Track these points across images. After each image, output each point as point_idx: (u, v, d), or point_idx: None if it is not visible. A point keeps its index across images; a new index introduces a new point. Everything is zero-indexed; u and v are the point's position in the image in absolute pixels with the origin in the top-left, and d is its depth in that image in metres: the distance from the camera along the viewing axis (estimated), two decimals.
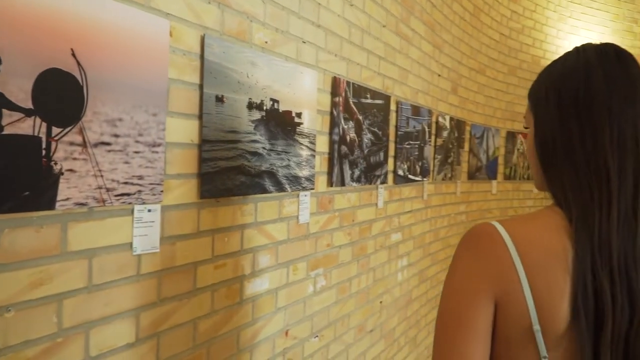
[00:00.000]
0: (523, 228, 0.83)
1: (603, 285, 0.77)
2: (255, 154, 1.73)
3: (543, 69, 0.94)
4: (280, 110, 1.86)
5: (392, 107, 2.86)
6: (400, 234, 3.12)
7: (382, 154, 2.73)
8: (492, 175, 4.77)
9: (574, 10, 5.66)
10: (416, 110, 3.21)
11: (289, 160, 1.92)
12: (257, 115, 1.73)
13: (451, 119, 3.86)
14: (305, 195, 2.06)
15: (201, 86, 1.50)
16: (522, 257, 0.79)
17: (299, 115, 1.97)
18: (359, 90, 2.45)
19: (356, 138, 2.44)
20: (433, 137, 3.58)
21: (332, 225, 2.30)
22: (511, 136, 5.03)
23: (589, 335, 0.77)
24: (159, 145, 1.36)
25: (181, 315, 1.48)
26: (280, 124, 1.86)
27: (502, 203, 5.03)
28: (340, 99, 2.28)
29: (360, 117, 2.47)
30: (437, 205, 3.76)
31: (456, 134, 4.00)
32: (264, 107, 1.77)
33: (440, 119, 3.65)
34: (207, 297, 1.57)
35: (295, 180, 1.96)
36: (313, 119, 2.07)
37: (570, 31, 5.64)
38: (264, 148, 1.78)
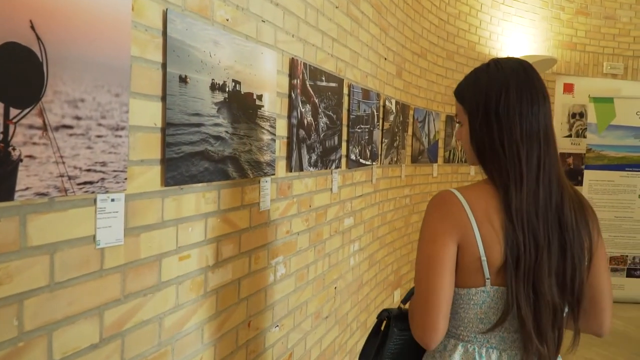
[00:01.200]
0: (472, 193, 1.20)
1: (518, 236, 1.15)
2: (218, 138, 1.64)
3: (468, 78, 1.29)
4: (242, 92, 1.77)
5: (345, 90, 2.82)
6: (352, 219, 3.10)
7: (336, 138, 2.69)
8: (433, 158, 4.85)
9: None
10: (366, 93, 3.18)
11: (250, 144, 1.83)
12: (220, 97, 1.64)
13: (397, 102, 3.88)
14: (266, 181, 1.99)
15: (164, 65, 1.39)
16: (473, 213, 1.17)
17: (260, 97, 1.88)
18: (315, 73, 2.39)
19: (313, 122, 2.38)
20: (381, 121, 3.58)
21: (291, 212, 2.24)
22: (450, 120, 5.13)
23: (511, 267, 1.16)
24: (123, 128, 1.25)
25: (146, 312, 1.38)
26: (243, 106, 1.77)
27: (442, 186, 5.13)
28: (298, 82, 2.21)
29: (317, 101, 2.41)
30: (384, 189, 3.78)
31: (401, 118, 4.02)
32: (227, 89, 1.67)
33: (387, 103, 3.65)
34: (172, 291, 1.48)
35: (257, 165, 1.88)
36: (273, 102, 1.99)
37: (503, 17, 5.80)
38: (227, 132, 1.68)
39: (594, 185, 5.84)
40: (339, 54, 2.72)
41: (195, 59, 1.50)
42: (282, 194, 2.14)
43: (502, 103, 1.18)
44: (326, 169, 2.57)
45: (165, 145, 1.40)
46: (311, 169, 2.38)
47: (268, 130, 1.95)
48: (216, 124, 1.62)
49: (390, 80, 3.78)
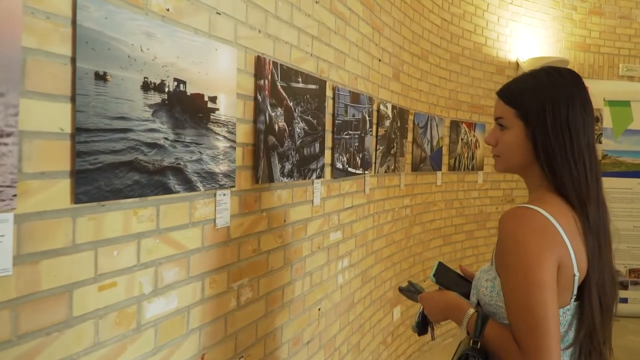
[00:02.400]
0: (553, 208, 1.18)
1: (594, 250, 1.21)
2: (154, 145, 1.41)
3: (524, 82, 1.30)
4: (189, 94, 1.54)
5: (328, 93, 2.58)
6: (340, 233, 2.86)
7: (317, 145, 2.45)
8: (436, 166, 4.59)
9: None
10: (355, 97, 2.94)
11: (200, 153, 1.60)
12: (156, 98, 1.41)
13: (393, 107, 3.63)
14: (224, 195, 1.76)
15: (74, 59, 1.17)
16: (562, 228, 1.16)
17: (213, 99, 1.65)
18: (289, 73, 2.16)
19: (286, 127, 2.15)
20: (374, 127, 3.34)
21: (259, 228, 2.01)
22: (455, 125, 4.86)
23: (591, 281, 1.21)
24: (9, 135, 1.02)
25: (52, 353, 1.16)
26: (189, 109, 1.55)
27: (447, 195, 4.86)
28: (266, 82, 1.98)
29: (291, 104, 2.18)
30: (380, 200, 3.53)
31: (399, 124, 3.77)
32: (166, 89, 1.45)
33: (382, 107, 3.41)
34: (88, 327, 1.25)
35: (209, 177, 1.65)
36: (232, 105, 1.76)
37: (511, 18, 5.53)
38: (166, 139, 1.46)
39: (611, 194, 5.51)
40: (321, 54, 2.49)
41: (119, 54, 1.28)
42: (246, 208, 1.91)
43: (570, 112, 1.20)
44: (305, 179, 2.33)
45: (76, 154, 1.17)
46: (285, 179, 2.15)
47: (225, 137, 1.72)
48: (151, 130, 1.40)
49: (386, 83, 3.53)
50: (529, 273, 1.11)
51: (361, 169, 3.08)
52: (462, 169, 5.03)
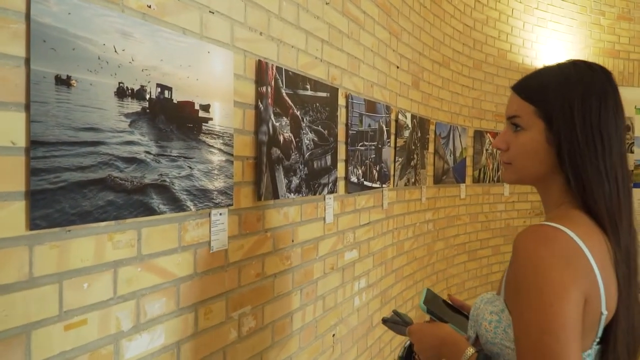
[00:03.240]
0: (583, 230, 0.93)
1: (625, 282, 0.97)
2: (132, 160, 1.23)
3: (547, 75, 1.04)
4: (175, 101, 1.37)
5: (341, 101, 2.39)
6: (356, 251, 2.65)
7: (329, 158, 2.26)
8: (460, 178, 4.36)
9: (541, 1, 5.31)
10: (371, 106, 2.75)
11: (191, 168, 1.42)
12: (134, 106, 1.24)
13: (413, 116, 3.42)
14: (221, 214, 1.57)
15: (27, 60, 1.00)
16: (592, 255, 0.91)
17: (205, 108, 1.48)
18: (295, 80, 1.97)
19: (293, 138, 1.96)
20: (393, 138, 3.13)
21: (263, 250, 1.82)
22: (479, 135, 4.63)
23: (619, 321, 0.97)
24: None
25: None
26: (176, 119, 1.37)
27: (472, 208, 4.62)
28: (269, 89, 1.80)
29: (298, 113, 1.99)
30: (399, 215, 3.31)
31: (419, 134, 3.56)
32: (147, 96, 1.27)
33: (400, 117, 3.21)
34: None
35: (202, 194, 1.47)
36: (229, 114, 1.58)
37: (537, 23, 5.29)
38: (148, 152, 1.28)
39: None
40: (332, 59, 2.30)
41: (86, 55, 1.11)
42: (248, 229, 1.72)
43: (602, 113, 0.98)
44: (315, 194, 2.14)
45: (32, 172, 1.00)
46: (292, 195, 1.96)
47: (220, 150, 1.54)
48: (128, 142, 1.22)
49: (405, 92, 3.33)
50: (550, 311, 0.86)
51: (378, 183, 2.87)
52: (487, 181, 4.79)
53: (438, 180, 3.98)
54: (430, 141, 3.82)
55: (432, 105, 3.82)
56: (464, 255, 4.51)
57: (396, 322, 1.32)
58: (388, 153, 3.03)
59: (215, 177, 1.52)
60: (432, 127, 3.84)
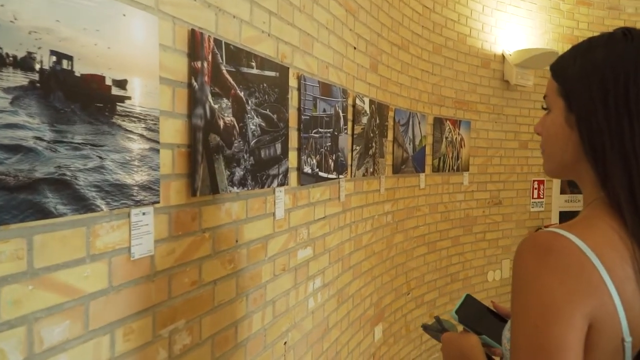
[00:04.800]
0: (594, 234, 0.78)
1: None
2: (15, 149, 0.95)
3: (578, 46, 0.90)
4: (78, 74, 1.09)
5: (292, 82, 2.14)
6: (310, 249, 2.41)
7: (279, 146, 2.01)
8: (419, 167, 4.17)
9: None
10: (327, 89, 2.51)
11: (101, 158, 1.15)
12: (18, 79, 0.96)
13: (371, 101, 3.20)
14: (144, 214, 1.30)
15: None
16: (606, 267, 0.74)
17: (120, 84, 1.20)
18: (238, 55, 1.71)
19: (236, 123, 1.70)
20: (350, 124, 2.90)
21: (200, 253, 1.56)
22: (439, 123, 4.45)
23: None
24: None
25: None
26: (79, 97, 1.09)
27: (432, 198, 4.45)
28: (206, 65, 1.53)
29: (242, 94, 1.73)
30: (357, 207, 3.09)
31: (378, 121, 3.34)
32: (37, 66, 0.99)
33: (358, 102, 2.98)
34: None
35: (118, 191, 1.19)
36: (153, 92, 1.31)
37: (497, 7, 5.14)
38: (39, 139, 1.00)
39: None
40: (282, 34, 2.04)
41: None
42: (180, 230, 1.45)
43: (632, 87, 0.81)
44: (263, 187, 1.89)
45: None
46: (235, 189, 1.70)
47: (142, 136, 1.27)
48: (9, 125, 0.94)
49: (362, 75, 3.10)
50: (537, 335, 0.74)
51: (335, 173, 2.64)
52: (447, 170, 4.63)
53: (397, 169, 3.78)
54: (389, 128, 3.61)
55: (391, 91, 3.61)
56: (424, 247, 4.35)
57: (436, 330, 1.26)
58: (345, 141, 2.80)
59: (135, 169, 1.25)
60: (391, 113, 3.63)
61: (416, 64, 4.06)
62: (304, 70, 2.26)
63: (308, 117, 2.29)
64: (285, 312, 2.17)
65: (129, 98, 1.23)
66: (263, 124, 1.88)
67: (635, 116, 0.80)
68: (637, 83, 0.81)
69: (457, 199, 4.81)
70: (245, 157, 1.76)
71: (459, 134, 4.73)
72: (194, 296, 1.53)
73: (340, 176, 2.74)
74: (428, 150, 4.35)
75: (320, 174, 2.45)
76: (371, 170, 3.27)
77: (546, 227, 0.94)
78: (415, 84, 4.07)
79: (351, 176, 2.95)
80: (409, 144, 3.97)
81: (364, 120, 3.10)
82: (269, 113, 1.92)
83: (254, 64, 1.80)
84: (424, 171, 4.26)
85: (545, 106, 0.94)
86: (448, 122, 4.58)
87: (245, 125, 1.75)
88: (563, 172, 0.94)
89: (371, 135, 3.23)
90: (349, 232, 2.96)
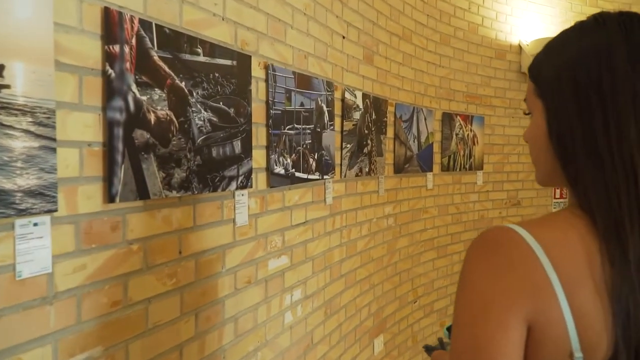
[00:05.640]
0: (549, 232, 0.70)
1: (630, 315, 0.65)
2: None
3: (550, 42, 0.82)
4: None
5: (257, 72, 1.91)
6: (286, 258, 2.18)
7: (238, 144, 1.78)
8: (426, 166, 3.90)
9: None
10: (305, 81, 2.28)
11: None
12: None
13: (365, 95, 2.95)
14: (35, 224, 1.09)
15: None
16: (555, 266, 0.66)
17: None
18: (177, 40, 1.49)
19: (174, 118, 1.48)
20: (338, 120, 2.67)
21: (126, 268, 1.34)
22: (448, 118, 4.17)
23: None
24: None
25: None
26: None
27: (441, 199, 4.17)
28: (128, 50, 1.31)
29: (183, 84, 1.51)
30: (349, 210, 2.85)
31: (374, 116, 3.09)
32: None
33: (348, 96, 2.74)
34: None
35: None
36: (45, 81, 1.10)
37: None
38: None
39: None
40: (242, 19, 1.82)
41: None
42: (94, 241, 1.24)
43: (605, 75, 0.70)
44: (216, 190, 1.67)
45: None
46: (175, 192, 1.48)
47: (28, 132, 1.06)
48: None
49: (354, 67, 2.86)
50: (472, 329, 0.67)
51: (317, 173, 2.40)
52: (458, 169, 4.34)
53: (399, 169, 3.52)
54: (389, 125, 3.36)
55: (390, 84, 3.35)
56: (432, 252, 4.07)
57: (436, 349, 1.22)
58: (332, 138, 2.56)
59: (18, 172, 1.04)
60: (390, 108, 3.37)
61: (420, 56, 3.79)
62: (273, 59, 2.03)
63: (279, 112, 2.07)
64: (253, 330, 1.94)
65: (7, 87, 1.02)
66: (215, 119, 1.66)
67: (610, 107, 0.70)
68: (610, 69, 0.71)
69: (470, 199, 4.52)
70: (189, 156, 1.54)
71: (471, 130, 4.44)
72: (117, 318, 1.32)
73: (326, 177, 2.50)
74: (436, 147, 4.07)
75: (298, 174, 2.22)
76: (367, 169, 3.02)
77: None
78: (420, 77, 3.80)
79: (341, 176, 2.71)
80: (414, 142, 3.71)
81: (356, 115, 2.85)
82: (224, 106, 1.70)
83: (200, 50, 1.58)
84: (431, 170, 3.99)
85: (527, 111, 0.85)
86: (458, 117, 4.29)
87: (188, 120, 1.53)
88: (552, 180, 0.82)
89: (365, 131, 2.98)
90: (338, 237, 2.72)
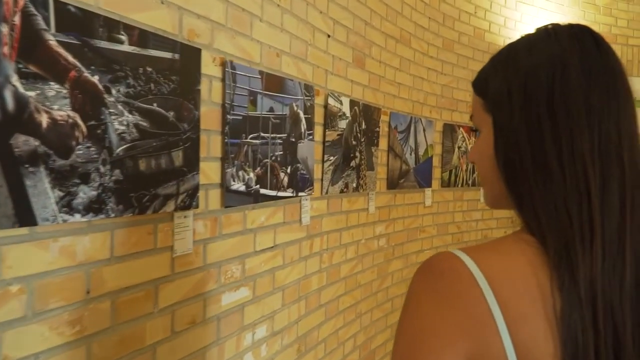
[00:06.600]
0: (495, 260, 0.67)
1: (588, 337, 0.62)
2: None
3: (497, 55, 0.78)
4: None
5: (209, 70, 1.60)
6: (247, 290, 1.85)
7: (179, 155, 1.46)
8: (424, 182, 3.56)
9: None
10: (276, 83, 1.95)
11: None
12: None
13: (353, 102, 2.63)
14: None
15: None
16: (498, 300, 0.63)
17: None
18: (90, 23, 1.18)
19: (80, 121, 1.16)
20: (319, 129, 2.34)
21: (1, 316, 1.02)
22: (450, 130, 3.84)
23: None
24: None
25: None
26: None
27: (441, 218, 3.83)
28: (7, 30, 1.00)
29: (96, 79, 1.19)
30: (332, 231, 2.52)
31: (364, 125, 2.76)
32: None
33: (332, 102, 2.41)
34: None
35: None
36: None
37: (522, 0, 4.51)
38: None
39: None
40: (190, 5, 1.50)
41: None
42: None
43: (557, 87, 0.68)
44: (144, 212, 1.34)
45: None
46: (80, 217, 1.16)
47: None
48: None
49: (341, 70, 2.54)
50: (409, 357, 0.63)
51: (291, 190, 2.08)
52: (460, 185, 4.00)
53: (394, 184, 3.19)
54: (382, 135, 3.03)
55: (384, 91, 3.03)
56: None
57: None
58: (310, 149, 2.23)
59: None
60: (384, 117, 3.04)
61: (420, 61, 3.46)
62: (233, 55, 1.71)
63: (240, 118, 1.74)
64: None
65: None
66: (144, 124, 1.33)
67: (562, 122, 0.67)
68: (563, 82, 0.67)
69: (472, 217, 4.17)
70: (103, 169, 1.22)
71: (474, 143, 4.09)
72: None
73: (302, 193, 2.17)
74: (436, 161, 3.73)
75: (264, 191, 1.89)
76: (354, 185, 2.69)
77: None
78: (419, 84, 3.47)
79: (322, 193, 2.38)
80: (410, 154, 3.37)
81: (342, 124, 2.53)
82: (158, 109, 1.38)
83: (124, 37, 1.27)
84: (430, 186, 3.65)
85: (474, 127, 0.82)
86: (461, 129, 3.96)
87: (103, 124, 1.21)
88: (501, 202, 0.76)
89: (353, 142, 2.65)
90: (317, 262, 2.39)
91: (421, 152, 3.51)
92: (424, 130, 3.52)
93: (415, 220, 3.52)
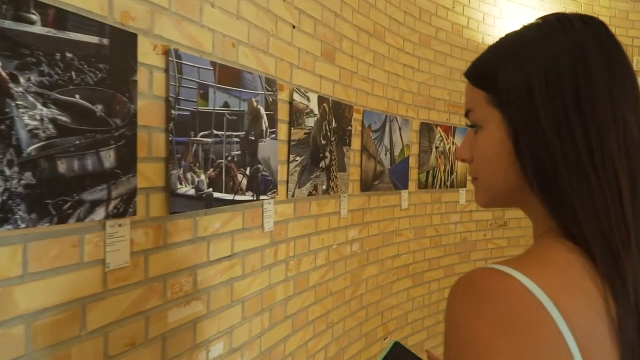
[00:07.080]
0: (550, 276, 0.58)
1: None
2: None
3: (500, 44, 0.72)
4: None
5: (150, 59, 1.42)
6: (200, 304, 1.67)
7: (109, 155, 1.28)
8: (400, 183, 3.41)
9: None
10: (232, 75, 1.78)
11: None
12: None
13: (322, 99, 2.46)
14: None
15: None
16: (566, 320, 0.55)
17: None
18: None
19: None
20: (284, 127, 2.17)
21: None
22: (427, 129, 3.69)
23: None
24: None
25: None
26: None
27: (417, 220, 3.68)
28: None
29: None
30: (299, 237, 2.35)
31: (334, 124, 2.60)
32: None
33: (298, 98, 2.24)
34: None
35: None
36: None
37: None
38: None
39: None
40: None
41: None
42: None
43: (581, 79, 0.63)
44: (65, 222, 1.16)
45: None
46: None
47: None
48: None
49: (308, 64, 2.37)
50: None
51: (251, 193, 1.90)
52: (438, 186, 3.85)
53: (367, 186, 3.02)
54: (355, 134, 2.86)
55: (357, 87, 2.86)
56: (407, 280, 3.57)
57: None
58: (273, 149, 2.06)
59: None
60: (357, 115, 2.88)
61: (395, 57, 3.31)
62: (179, 43, 1.53)
63: (188, 113, 1.56)
64: None
65: None
66: (64, 119, 1.15)
67: (589, 119, 0.62)
68: (587, 73, 0.63)
69: (451, 220, 4.03)
70: (9, 172, 1.03)
71: (453, 142, 3.96)
72: None
73: (264, 197, 2.00)
74: (412, 162, 3.58)
75: (217, 195, 1.71)
76: (324, 187, 2.52)
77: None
78: (395, 81, 3.31)
79: (288, 196, 2.21)
80: (385, 155, 3.21)
81: (309, 122, 2.36)
82: (82, 101, 1.19)
83: (36, 17, 1.08)
84: (406, 188, 3.49)
85: (470, 123, 0.73)
86: (439, 128, 3.81)
87: (8, 118, 1.03)
88: (504, 201, 0.72)
89: (322, 142, 2.48)
90: (283, 270, 2.22)
91: (397, 152, 3.35)
92: (399, 129, 3.37)
93: (391, 224, 3.36)
